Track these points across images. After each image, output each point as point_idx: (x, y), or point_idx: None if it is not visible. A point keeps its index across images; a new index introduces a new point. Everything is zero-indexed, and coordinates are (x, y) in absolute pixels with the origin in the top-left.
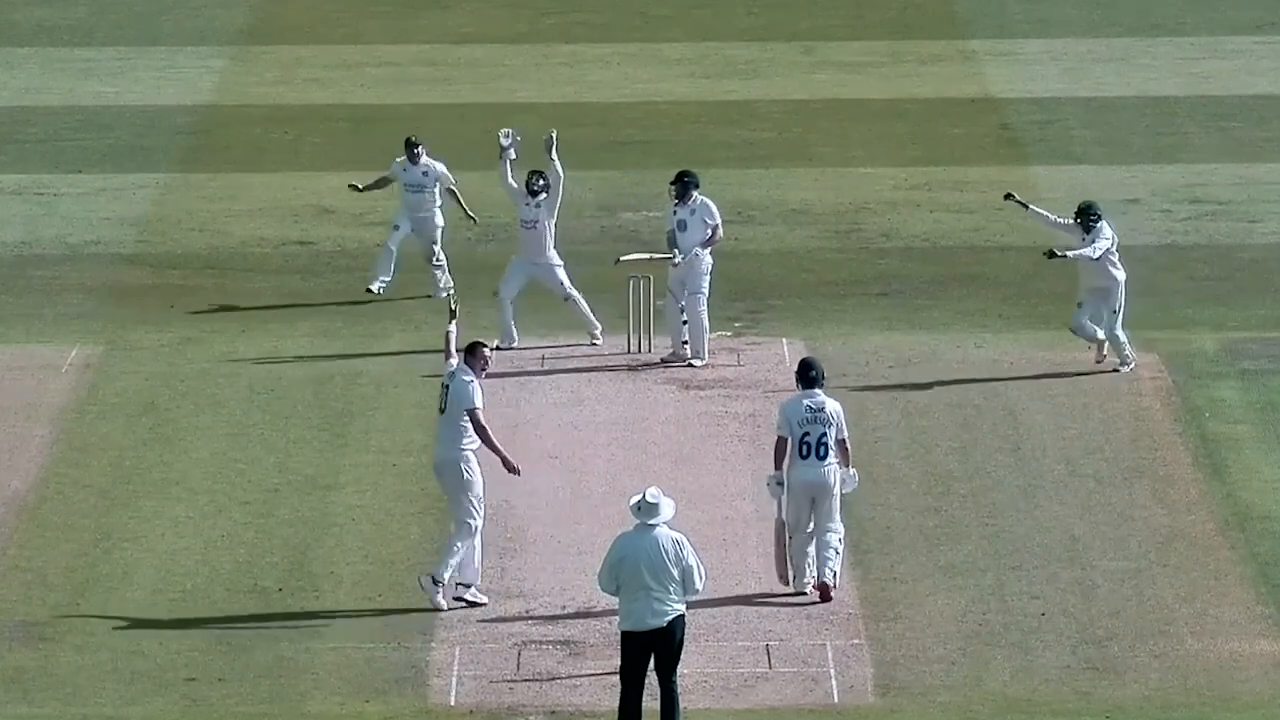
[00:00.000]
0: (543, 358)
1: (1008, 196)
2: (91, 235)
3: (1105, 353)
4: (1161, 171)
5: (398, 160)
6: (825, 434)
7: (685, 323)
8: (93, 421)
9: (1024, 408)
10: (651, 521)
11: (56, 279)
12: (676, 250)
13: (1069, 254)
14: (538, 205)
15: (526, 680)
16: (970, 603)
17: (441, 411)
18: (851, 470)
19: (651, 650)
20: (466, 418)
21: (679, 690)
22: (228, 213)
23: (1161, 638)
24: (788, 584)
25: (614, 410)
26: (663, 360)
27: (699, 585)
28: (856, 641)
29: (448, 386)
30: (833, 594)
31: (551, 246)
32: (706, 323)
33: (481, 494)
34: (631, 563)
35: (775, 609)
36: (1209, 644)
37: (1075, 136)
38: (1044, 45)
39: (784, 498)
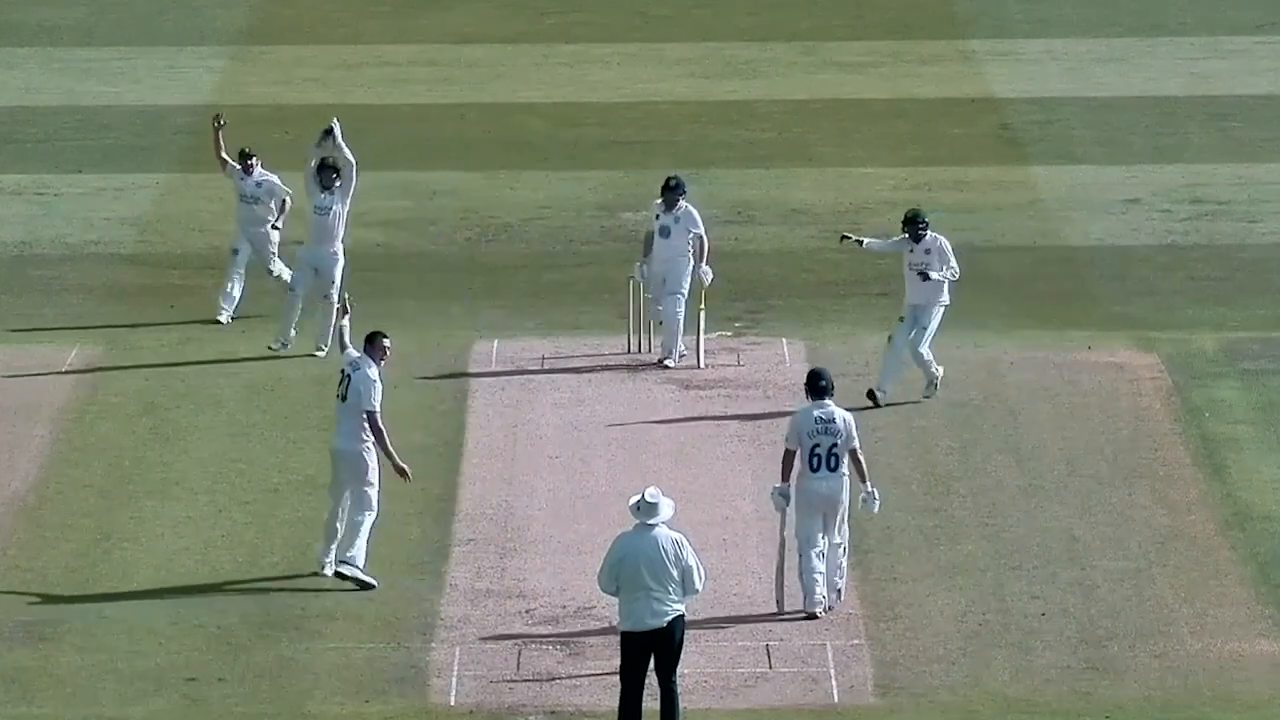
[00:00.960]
0: (542, 358)
1: (843, 239)
2: (91, 235)
3: (935, 386)
4: (1161, 171)
5: (236, 166)
6: (836, 445)
7: (663, 322)
8: (93, 422)
9: (1024, 408)
10: (651, 521)
11: (56, 279)
12: (642, 264)
13: (935, 275)
14: (331, 193)
15: (526, 680)
16: (970, 603)
17: (342, 400)
18: (873, 489)
19: (651, 650)
20: (367, 417)
21: (679, 690)
22: (228, 213)
23: (1161, 638)
24: (782, 609)
25: (614, 410)
26: (659, 361)
27: (699, 586)
28: (856, 641)
29: (350, 376)
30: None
31: (340, 238)
32: (682, 324)
33: (378, 484)
34: (631, 563)
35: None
36: (1209, 644)
37: (1075, 136)
38: (1044, 45)
39: (788, 512)
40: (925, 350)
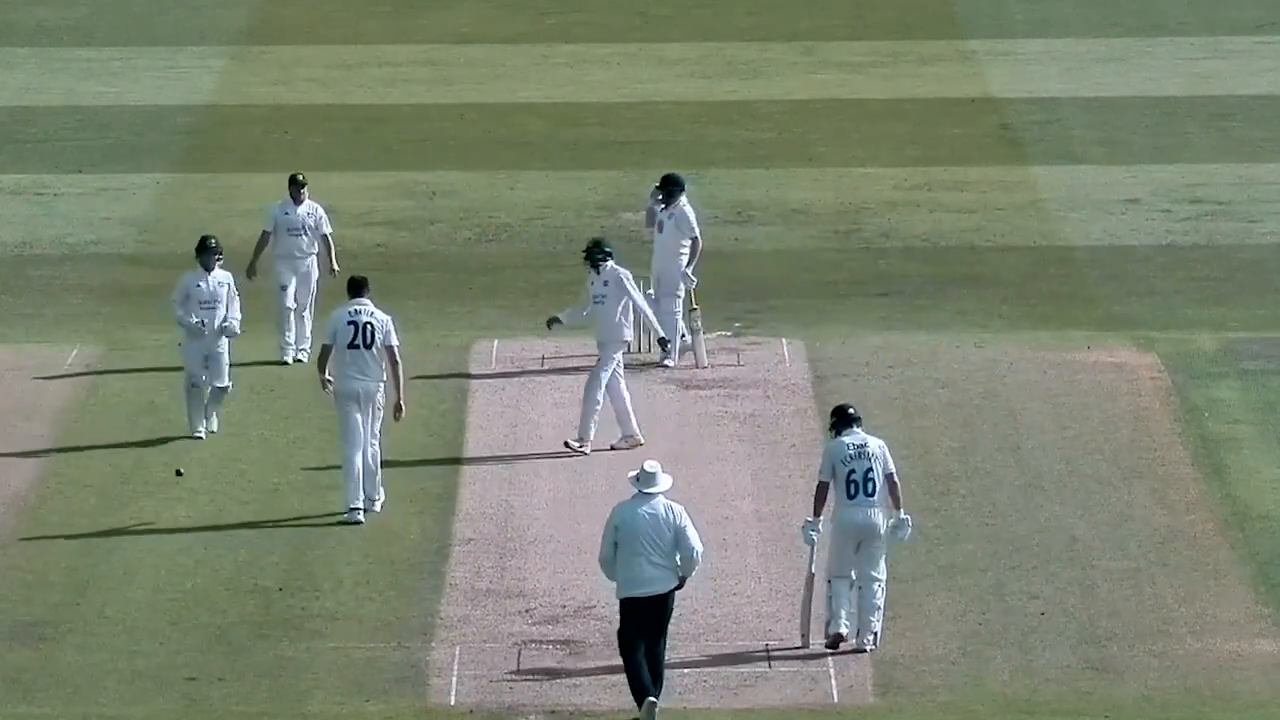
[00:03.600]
0: (543, 358)
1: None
2: (91, 235)
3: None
4: (1161, 171)
5: (277, 203)
6: (871, 469)
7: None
8: (93, 421)
9: (1023, 407)
10: (649, 490)
11: (57, 279)
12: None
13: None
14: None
15: (526, 680)
16: (970, 602)
17: (365, 345)
18: (905, 515)
19: (647, 615)
20: (387, 351)
21: (665, 660)
22: (228, 212)
23: (1161, 637)
24: (806, 644)
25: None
26: (659, 361)
27: (696, 546)
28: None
29: (369, 323)
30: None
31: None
32: (681, 325)
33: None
34: (629, 529)
35: (775, 609)
36: (1208, 643)
37: (1075, 136)
38: (1044, 45)
39: (817, 547)
40: (598, 394)
